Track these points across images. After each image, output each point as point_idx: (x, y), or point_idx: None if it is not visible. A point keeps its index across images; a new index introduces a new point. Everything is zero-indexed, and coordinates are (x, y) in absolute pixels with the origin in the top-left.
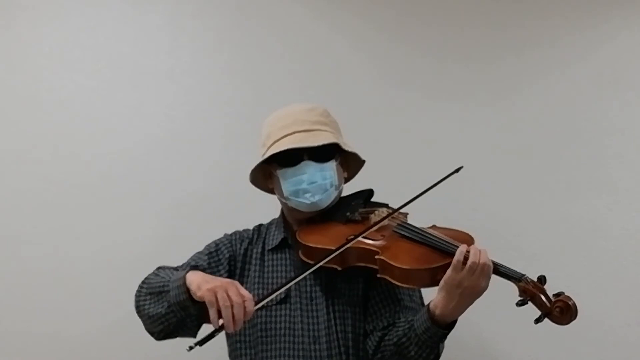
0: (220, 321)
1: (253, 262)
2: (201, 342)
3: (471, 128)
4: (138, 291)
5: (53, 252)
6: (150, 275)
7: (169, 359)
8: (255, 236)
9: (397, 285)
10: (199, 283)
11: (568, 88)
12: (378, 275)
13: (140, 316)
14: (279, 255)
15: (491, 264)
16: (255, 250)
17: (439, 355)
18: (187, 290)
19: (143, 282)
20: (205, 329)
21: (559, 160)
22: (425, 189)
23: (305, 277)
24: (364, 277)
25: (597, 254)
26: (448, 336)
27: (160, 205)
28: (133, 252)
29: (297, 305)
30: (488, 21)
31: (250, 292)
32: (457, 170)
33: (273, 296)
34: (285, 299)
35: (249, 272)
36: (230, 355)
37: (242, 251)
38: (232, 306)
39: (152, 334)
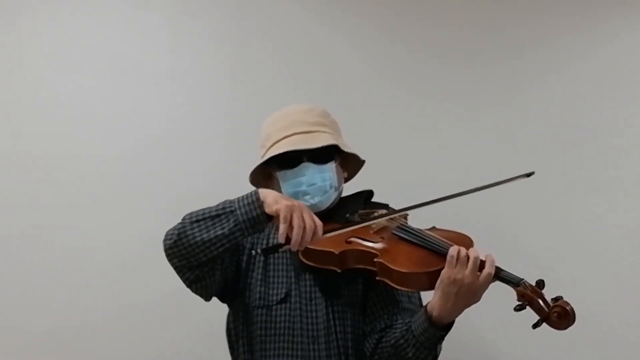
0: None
1: (258, 257)
2: (264, 252)
3: (471, 128)
4: (179, 225)
5: (53, 251)
6: (186, 214)
7: (168, 354)
8: (258, 234)
9: (396, 289)
10: (276, 197)
11: (568, 88)
12: (377, 278)
13: (180, 249)
14: (281, 254)
15: (484, 258)
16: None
17: (436, 356)
18: (262, 205)
19: (182, 219)
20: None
21: (559, 160)
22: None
23: (304, 278)
24: (363, 278)
25: (597, 254)
26: (449, 339)
27: (160, 205)
28: (132, 251)
29: (297, 305)
30: (487, 21)
31: (253, 289)
32: (528, 175)
33: (342, 231)
34: (285, 299)
35: (253, 267)
36: (231, 355)
37: (247, 250)
38: (304, 228)
39: (187, 270)
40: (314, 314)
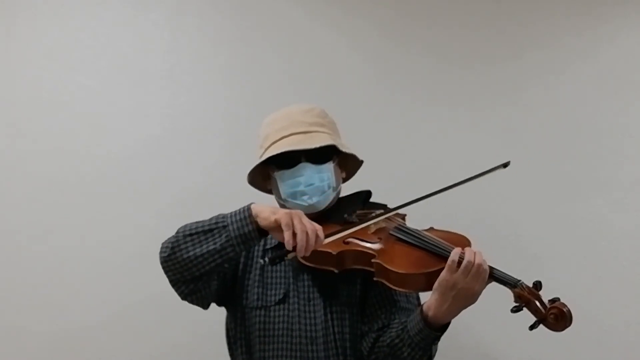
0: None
1: (254, 260)
2: (272, 261)
3: (471, 129)
4: (173, 238)
5: (52, 250)
6: (181, 227)
7: (168, 354)
8: None
9: (394, 289)
10: (273, 210)
11: (568, 88)
12: (374, 279)
13: (174, 263)
14: None
15: (486, 265)
16: (256, 248)
17: (431, 357)
18: (254, 221)
19: (176, 232)
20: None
21: (559, 160)
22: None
23: (302, 279)
24: (362, 278)
25: (597, 254)
26: (446, 341)
27: (160, 205)
28: (131, 251)
29: (295, 305)
30: (488, 23)
31: (250, 290)
32: (504, 165)
33: (343, 234)
34: (283, 299)
35: (250, 269)
36: (230, 356)
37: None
38: (307, 232)
39: (181, 284)
40: (312, 315)
